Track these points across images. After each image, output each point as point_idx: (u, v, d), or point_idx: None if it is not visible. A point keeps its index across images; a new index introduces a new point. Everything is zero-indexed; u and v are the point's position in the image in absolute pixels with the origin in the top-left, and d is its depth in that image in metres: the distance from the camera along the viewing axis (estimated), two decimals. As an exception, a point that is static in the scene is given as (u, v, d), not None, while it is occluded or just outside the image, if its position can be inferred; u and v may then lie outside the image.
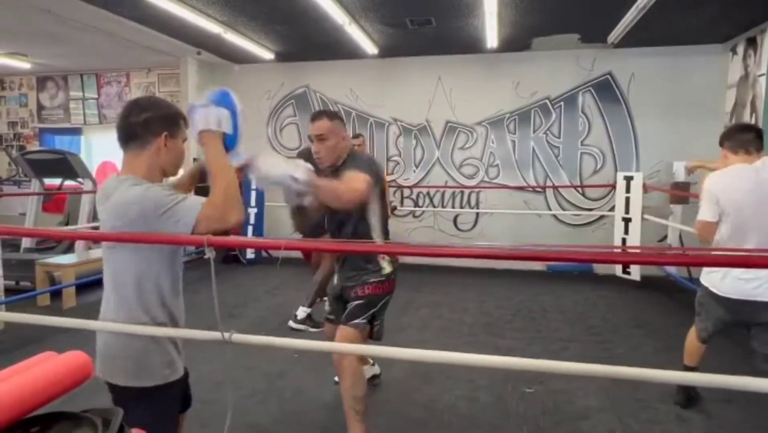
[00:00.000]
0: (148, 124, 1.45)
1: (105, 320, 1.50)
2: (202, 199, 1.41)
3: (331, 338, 2.58)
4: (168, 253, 1.49)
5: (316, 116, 2.32)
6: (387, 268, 2.35)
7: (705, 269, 2.59)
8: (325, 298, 2.88)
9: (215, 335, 1.40)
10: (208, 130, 1.48)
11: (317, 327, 3.92)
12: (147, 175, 1.47)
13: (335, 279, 2.56)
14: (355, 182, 2.07)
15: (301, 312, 4.02)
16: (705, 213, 2.46)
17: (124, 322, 1.45)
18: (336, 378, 3.02)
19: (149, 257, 1.45)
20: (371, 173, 2.17)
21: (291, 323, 4.00)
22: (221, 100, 1.52)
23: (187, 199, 1.41)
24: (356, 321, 2.29)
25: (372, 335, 2.38)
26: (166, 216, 1.38)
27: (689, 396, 2.78)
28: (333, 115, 2.33)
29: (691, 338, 2.73)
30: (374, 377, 3.05)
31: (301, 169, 1.75)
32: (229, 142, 1.51)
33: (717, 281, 2.45)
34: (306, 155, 2.66)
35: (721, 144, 2.57)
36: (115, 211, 1.43)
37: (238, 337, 1.41)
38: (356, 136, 5.07)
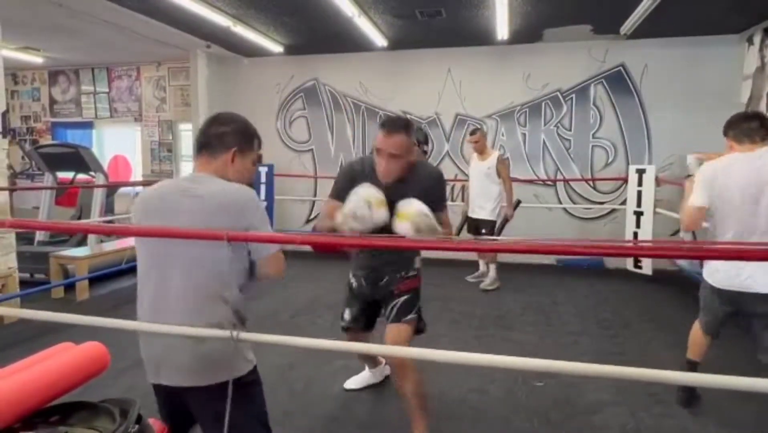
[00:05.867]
0: (221, 137, 1.56)
1: (167, 320, 1.47)
2: (278, 247, 1.53)
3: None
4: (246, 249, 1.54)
5: (392, 130, 1.97)
6: (418, 263, 2.40)
7: (706, 262, 2.56)
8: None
9: (223, 333, 1.39)
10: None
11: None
12: None
13: (361, 280, 2.38)
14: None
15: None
16: (696, 198, 2.41)
17: (194, 320, 1.44)
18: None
19: (234, 253, 1.45)
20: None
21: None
22: None
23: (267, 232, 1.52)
24: (409, 317, 2.26)
25: (419, 329, 2.35)
26: (255, 227, 1.47)
27: (691, 395, 2.71)
28: (410, 128, 2.02)
29: (696, 330, 2.68)
30: (388, 377, 2.98)
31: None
32: None
33: (713, 273, 2.44)
34: (359, 168, 2.21)
35: (726, 134, 2.50)
36: (219, 204, 1.47)
37: (244, 335, 1.41)
38: (473, 132, 4.94)
